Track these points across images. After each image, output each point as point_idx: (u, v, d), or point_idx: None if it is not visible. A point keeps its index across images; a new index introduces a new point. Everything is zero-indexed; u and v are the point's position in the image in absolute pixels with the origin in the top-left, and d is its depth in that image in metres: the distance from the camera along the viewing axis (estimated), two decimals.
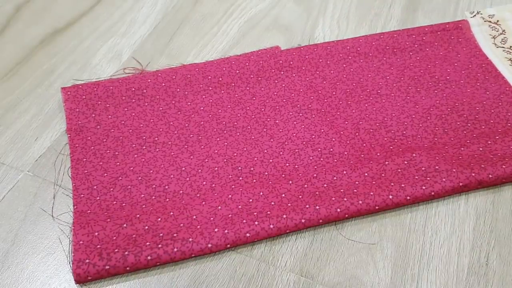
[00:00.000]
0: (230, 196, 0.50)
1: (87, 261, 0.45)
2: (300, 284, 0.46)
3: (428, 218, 0.51)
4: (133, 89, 0.60)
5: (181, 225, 0.47)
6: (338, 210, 0.48)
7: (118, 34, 0.70)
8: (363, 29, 0.71)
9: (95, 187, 0.51)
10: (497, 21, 0.68)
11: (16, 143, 0.56)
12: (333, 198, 0.49)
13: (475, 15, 0.69)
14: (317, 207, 0.48)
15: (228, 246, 0.47)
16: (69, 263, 0.46)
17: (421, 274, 0.47)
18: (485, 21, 0.68)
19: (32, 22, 0.71)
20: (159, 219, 0.48)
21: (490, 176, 0.51)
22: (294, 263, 0.47)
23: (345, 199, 0.49)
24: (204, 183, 0.52)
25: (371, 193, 0.49)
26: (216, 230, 0.47)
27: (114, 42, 0.68)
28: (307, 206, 0.49)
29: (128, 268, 0.45)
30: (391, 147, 0.55)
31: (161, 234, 0.46)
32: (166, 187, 0.51)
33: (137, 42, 0.68)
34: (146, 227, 0.47)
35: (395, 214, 0.51)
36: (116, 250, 0.45)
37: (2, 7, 0.73)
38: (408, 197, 0.50)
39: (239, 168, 0.53)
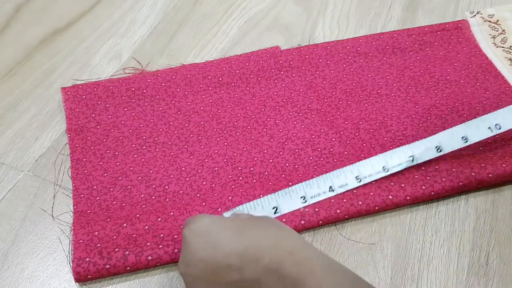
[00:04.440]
0: (230, 197, 0.50)
1: (87, 259, 0.44)
2: None
3: (428, 218, 0.51)
4: (133, 89, 0.60)
5: (181, 226, 0.47)
6: (338, 211, 0.48)
7: (118, 34, 0.69)
8: (363, 29, 0.71)
9: (95, 187, 0.51)
10: (497, 20, 0.68)
11: (16, 143, 0.56)
12: (333, 200, 0.49)
13: (475, 15, 0.69)
14: (316, 209, 0.48)
15: None
16: (69, 262, 0.46)
17: (421, 274, 0.47)
18: (484, 21, 0.68)
19: (32, 22, 0.71)
20: (159, 219, 0.48)
21: (490, 175, 0.51)
22: None
23: (344, 200, 0.49)
24: (204, 183, 0.52)
25: (371, 194, 0.49)
26: None
27: (114, 42, 0.68)
28: (307, 209, 0.49)
29: (128, 268, 0.45)
30: (391, 147, 0.55)
31: (161, 235, 0.46)
32: (166, 187, 0.51)
33: (137, 42, 0.68)
34: (147, 227, 0.47)
35: (395, 214, 0.51)
36: (116, 250, 0.45)
37: (2, 7, 0.72)
38: (408, 197, 0.50)
39: (239, 168, 0.53)
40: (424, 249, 0.48)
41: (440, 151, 0.51)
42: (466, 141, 0.51)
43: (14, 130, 0.58)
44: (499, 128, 0.51)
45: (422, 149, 0.51)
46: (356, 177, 0.51)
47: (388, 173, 0.51)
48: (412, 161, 0.51)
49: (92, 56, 0.66)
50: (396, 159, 0.51)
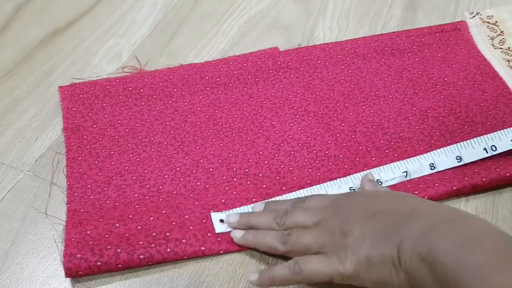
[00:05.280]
0: (223, 200, 0.50)
1: (78, 255, 0.44)
2: (300, 284, 0.46)
3: None
4: (130, 88, 0.60)
5: (174, 223, 0.47)
6: None
7: (118, 34, 0.70)
8: (363, 29, 0.71)
9: (89, 186, 0.51)
10: (496, 22, 0.68)
11: (16, 143, 0.57)
12: None
13: (474, 16, 0.69)
14: None
15: (221, 252, 0.47)
16: (61, 258, 0.46)
17: None
18: (483, 22, 0.68)
19: (32, 22, 0.71)
20: (152, 218, 0.48)
21: (484, 179, 0.50)
22: None
23: None
24: (198, 183, 0.52)
25: None
26: (209, 234, 0.47)
27: (114, 42, 0.68)
28: None
29: (120, 266, 0.45)
30: (387, 151, 0.55)
31: (153, 234, 0.47)
32: (160, 187, 0.52)
33: (137, 42, 0.69)
34: (139, 227, 0.47)
35: None
36: (108, 247, 0.45)
37: (2, 7, 0.73)
38: None
39: (234, 169, 0.53)
40: None
41: (434, 168, 0.52)
42: (460, 161, 0.52)
43: (14, 130, 0.58)
44: (495, 150, 0.52)
45: (417, 166, 0.52)
46: (350, 187, 0.51)
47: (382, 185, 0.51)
48: (406, 176, 0.52)
49: (92, 56, 0.66)
50: (390, 174, 0.52)
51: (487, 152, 0.52)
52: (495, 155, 0.52)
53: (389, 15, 0.73)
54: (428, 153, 0.53)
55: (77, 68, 0.65)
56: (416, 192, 0.49)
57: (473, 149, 0.52)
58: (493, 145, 0.52)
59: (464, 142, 0.53)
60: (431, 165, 0.52)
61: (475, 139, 0.53)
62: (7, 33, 0.69)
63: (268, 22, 0.72)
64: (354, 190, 0.51)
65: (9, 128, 0.58)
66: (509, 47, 0.65)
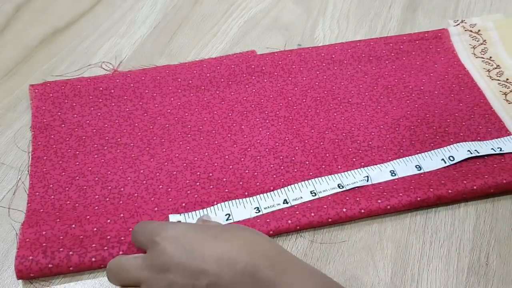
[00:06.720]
0: (183, 204, 0.50)
1: (30, 258, 0.44)
2: None
3: (428, 218, 0.50)
4: (101, 88, 0.60)
5: (130, 229, 0.47)
6: (289, 221, 0.48)
7: (118, 34, 0.69)
8: (363, 29, 0.71)
9: (51, 185, 0.51)
10: (479, 30, 0.66)
11: (16, 143, 0.56)
12: (285, 212, 0.49)
13: (458, 24, 0.67)
14: (268, 220, 0.48)
15: None
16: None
17: (421, 274, 0.46)
18: (465, 30, 0.66)
19: (32, 22, 0.71)
20: (109, 221, 0.48)
21: (450, 191, 0.49)
22: None
23: (297, 212, 0.48)
24: (161, 186, 0.52)
25: (325, 207, 0.49)
26: None
27: (114, 42, 0.68)
28: (258, 220, 0.48)
29: (71, 268, 0.45)
30: (354, 159, 0.54)
31: (108, 237, 0.46)
32: (122, 189, 0.51)
33: (137, 42, 0.68)
34: (95, 229, 0.47)
35: (395, 214, 0.50)
36: (61, 249, 0.45)
37: (2, 7, 0.73)
38: (362, 210, 0.48)
39: (198, 173, 0.53)
40: (424, 249, 0.48)
41: (395, 175, 0.52)
42: (420, 169, 0.52)
43: (14, 130, 0.58)
44: (452, 160, 0.53)
45: (377, 172, 0.52)
46: (311, 191, 0.50)
47: (343, 189, 0.51)
48: (367, 180, 0.51)
49: (92, 56, 0.66)
50: (351, 178, 0.51)
51: (445, 162, 0.52)
52: (462, 165, 0.53)
53: (389, 15, 0.73)
54: (388, 163, 0.53)
55: (77, 68, 0.64)
56: (379, 201, 0.49)
57: (431, 160, 0.53)
58: (451, 156, 0.53)
59: (423, 153, 0.53)
60: (392, 172, 0.52)
61: (433, 151, 0.53)
62: (7, 33, 0.69)
63: (268, 22, 0.72)
64: (315, 193, 0.50)
65: (9, 128, 0.58)
66: (490, 57, 0.63)
